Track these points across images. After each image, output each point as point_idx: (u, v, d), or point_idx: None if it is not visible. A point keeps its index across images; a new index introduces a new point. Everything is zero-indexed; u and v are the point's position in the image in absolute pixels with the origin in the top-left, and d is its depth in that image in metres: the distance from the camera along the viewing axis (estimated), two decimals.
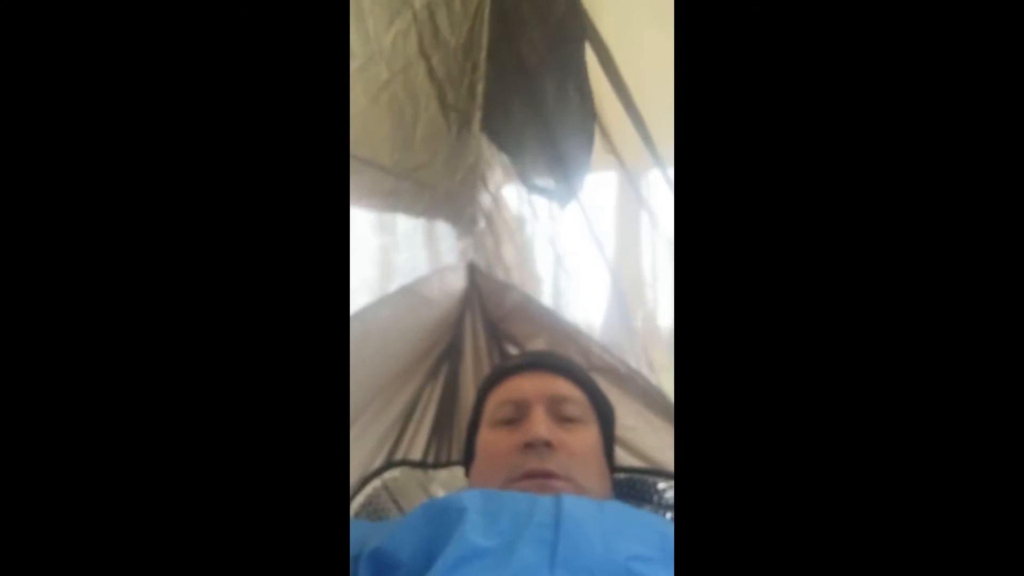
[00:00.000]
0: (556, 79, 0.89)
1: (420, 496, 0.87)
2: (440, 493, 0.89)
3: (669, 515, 0.86)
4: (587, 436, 0.77)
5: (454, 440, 1.01)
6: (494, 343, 1.08)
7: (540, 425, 0.72)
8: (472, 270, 1.10)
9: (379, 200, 0.95)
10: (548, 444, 0.71)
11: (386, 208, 0.97)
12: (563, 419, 0.75)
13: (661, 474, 0.90)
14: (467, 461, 0.83)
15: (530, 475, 0.70)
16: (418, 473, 0.91)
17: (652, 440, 0.93)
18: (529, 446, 0.71)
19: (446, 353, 1.05)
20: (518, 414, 0.76)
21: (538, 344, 1.04)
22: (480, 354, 1.07)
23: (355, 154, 0.95)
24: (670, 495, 0.89)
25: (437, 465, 0.94)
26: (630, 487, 0.89)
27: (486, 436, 0.78)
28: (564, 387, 0.79)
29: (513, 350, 1.09)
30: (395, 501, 0.86)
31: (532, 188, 1.03)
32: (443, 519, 0.61)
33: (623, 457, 0.92)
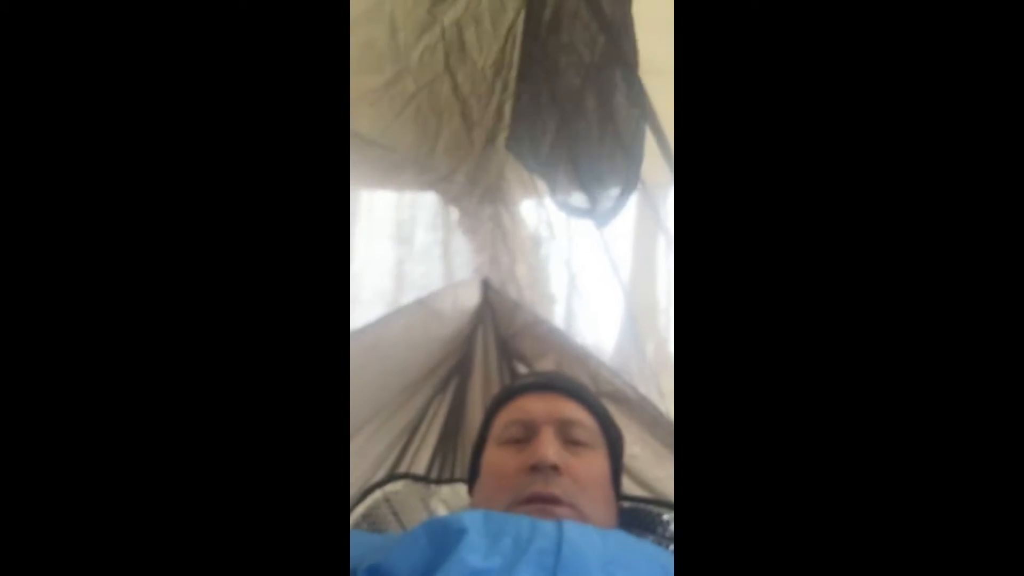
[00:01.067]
0: (597, 99, 0.88)
1: (421, 511, 0.86)
2: (441, 509, 0.88)
3: (672, 547, 0.85)
4: (595, 462, 0.75)
5: (458, 456, 1.00)
6: (504, 361, 1.08)
7: (548, 447, 0.71)
8: (486, 287, 1.10)
9: (399, 212, 0.96)
10: (555, 468, 0.70)
11: (406, 220, 0.98)
12: (571, 443, 0.74)
13: (666, 505, 0.89)
14: (471, 478, 0.82)
15: (534, 499, 0.69)
16: (420, 487, 0.90)
17: (657, 470, 0.92)
18: (535, 468, 0.70)
19: (456, 368, 1.05)
20: (526, 434, 0.74)
21: (547, 364, 1.04)
22: (490, 371, 1.06)
23: (380, 165, 0.96)
24: (670, 521, 0.87)
25: (440, 481, 0.93)
26: (635, 517, 0.87)
27: (492, 455, 0.77)
28: (574, 410, 0.77)
29: (523, 369, 1.08)
30: (395, 514, 0.85)
31: (567, 208, 1.01)
32: (443, 538, 0.60)
33: (628, 486, 0.91)
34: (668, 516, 0.88)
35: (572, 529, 0.62)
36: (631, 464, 0.92)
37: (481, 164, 1.05)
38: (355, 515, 0.84)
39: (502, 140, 1.04)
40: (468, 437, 1.01)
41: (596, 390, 0.95)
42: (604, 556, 0.60)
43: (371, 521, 0.83)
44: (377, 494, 0.86)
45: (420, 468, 0.97)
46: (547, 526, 0.62)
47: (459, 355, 1.05)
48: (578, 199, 0.97)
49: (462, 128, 0.98)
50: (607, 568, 0.58)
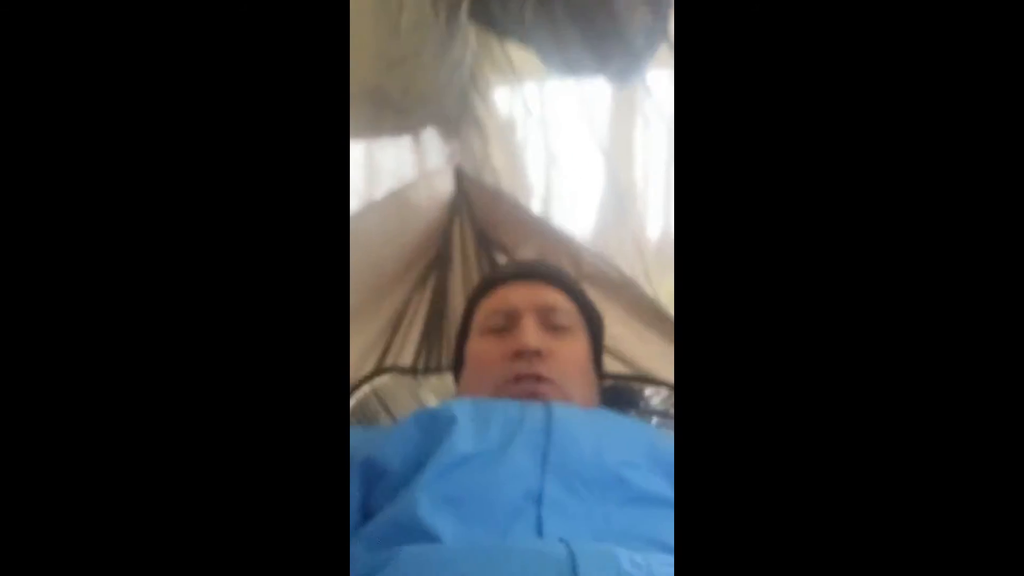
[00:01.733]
0: None
1: (410, 401, 0.88)
2: (430, 398, 0.91)
3: (655, 420, 0.89)
4: (576, 345, 0.77)
5: (443, 347, 1.01)
6: (483, 251, 1.06)
7: (530, 334, 0.72)
8: (460, 175, 1.06)
9: (364, 100, 0.89)
10: (538, 352, 0.71)
11: (372, 108, 0.92)
12: (553, 328, 0.75)
13: (647, 380, 0.92)
14: (456, 368, 0.83)
15: (520, 378, 0.71)
16: (408, 379, 0.92)
17: (639, 348, 0.94)
18: (519, 354, 0.71)
19: (434, 262, 1.03)
20: (508, 323, 0.75)
21: (528, 252, 1.03)
22: (469, 262, 1.05)
23: None
24: (655, 401, 0.91)
25: (427, 371, 0.94)
26: (616, 394, 0.91)
27: (476, 344, 0.78)
28: (554, 297, 0.78)
29: (502, 258, 1.07)
30: (385, 407, 0.87)
31: (572, 67, 0.93)
32: (433, 428, 0.61)
33: (610, 364, 0.93)
34: (649, 391, 0.92)
35: (561, 410, 0.64)
36: (613, 344, 0.94)
37: (447, 39, 0.97)
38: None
39: (465, 10, 0.96)
40: (451, 328, 1.01)
41: (578, 274, 0.95)
42: (593, 434, 0.62)
43: (362, 415, 0.85)
44: (365, 388, 0.87)
45: (406, 361, 0.98)
46: (535, 409, 0.64)
47: (436, 248, 1.03)
48: (583, 58, 0.90)
49: (427, 2, 0.89)
50: (596, 445, 0.61)
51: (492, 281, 0.83)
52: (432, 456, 0.57)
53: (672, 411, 0.90)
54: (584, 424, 0.63)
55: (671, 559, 0.48)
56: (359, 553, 0.50)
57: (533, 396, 0.69)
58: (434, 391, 0.90)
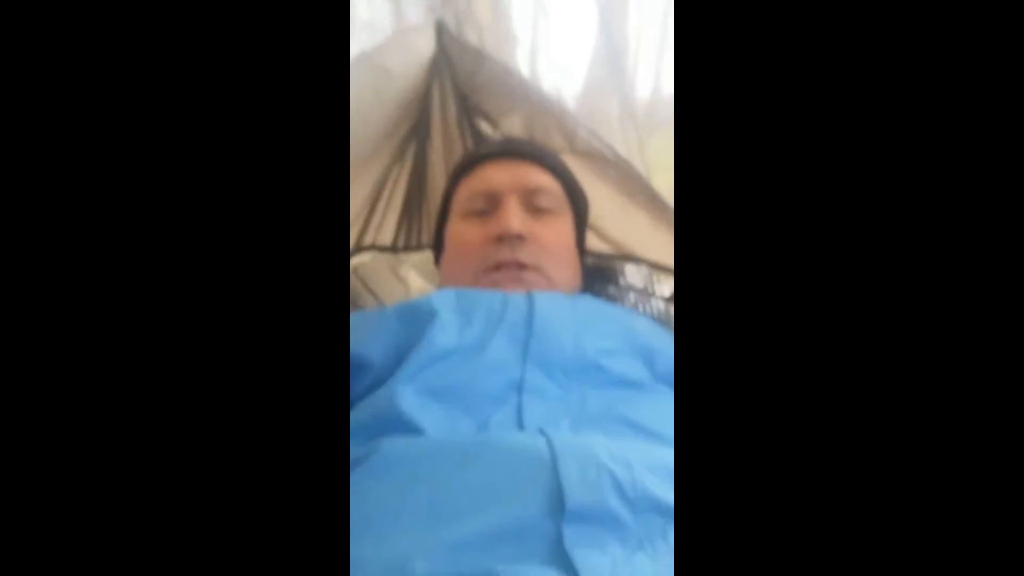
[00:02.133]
0: None
1: (391, 280, 0.87)
2: (412, 276, 0.90)
3: (632, 296, 0.89)
4: (560, 227, 0.75)
5: (424, 224, 0.98)
6: (465, 119, 0.99)
7: (512, 218, 0.70)
8: (440, 31, 0.96)
9: None
10: (520, 237, 0.69)
11: None
12: (536, 210, 0.73)
13: (628, 259, 0.91)
14: (436, 251, 0.82)
15: (501, 265, 0.70)
16: (388, 257, 0.90)
17: (624, 225, 0.92)
18: (500, 239, 0.70)
19: (412, 132, 0.96)
20: (489, 205, 0.73)
21: (514, 121, 0.96)
22: (450, 131, 0.99)
23: None
24: (632, 279, 0.91)
25: (407, 248, 0.93)
26: (597, 271, 0.91)
27: (457, 227, 0.76)
28: (538, 177, 0.75)
29: (486, 127, 1.01)
30: (367, 287, 0.86)
31: None
32: (414, 320, 0.61)
33: (594, 242, 0.92)
34: (629, 267, 0.91)
35: (542, 300, 0.64)
36: (598, 222, 0.92)
37: None
38: None
39: None
40: (432, 204, 0.97)
41: (569, 148, 0.90)
42: (573, 323, 0.63)
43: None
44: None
45: (386, 239, 0.96)
46: (518, 299, 0.63)
47: (415, 116, 0.96)
48: None
49: None
50: (576, 334, 0.61)
51: (473, 160, 0.79)
52: (413, 350, 0.57)
53: (652, 288, 0.90)
54: (564, 315, 0.63)
55: (648, 447, 0.50)
56: None
57: (515, 284, 0.68)
58: (416, 267, 0.89)
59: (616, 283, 0.93)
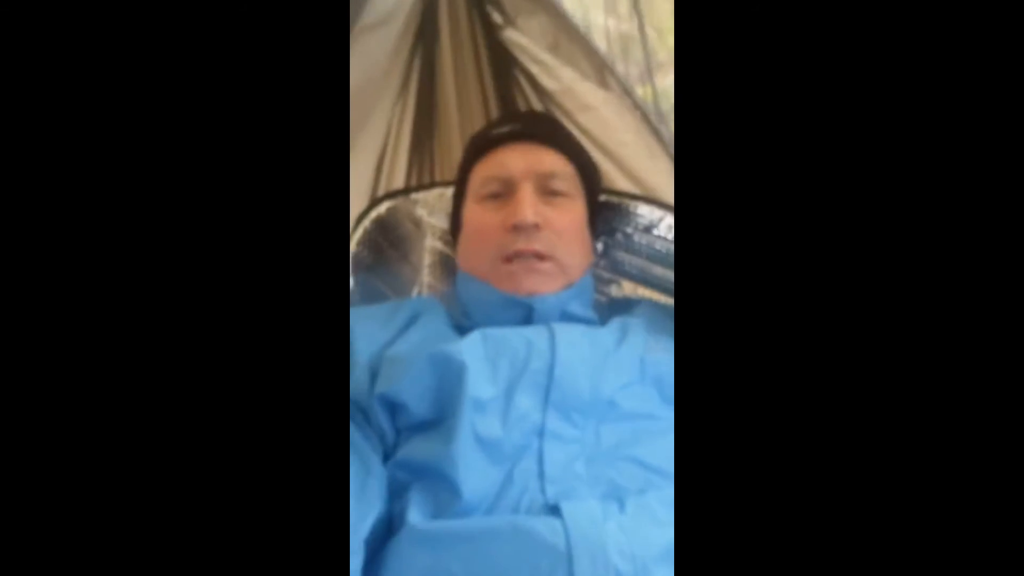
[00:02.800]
0: None
1: (410, 227, 0.86)
2: (427, 216, 0.88)
3: (644, 239, 0.91)
4: (573, 210, 0.75)
5: (436, 159, 0.91)
6: (476, 13, 0.85)
7: (527, 207, 0.70)
8: None
9: None
10: (536, 226, 0.70)
11: None
12: (551, 193, 0.73)
13: (643, 199, 0.90)
14: (454, 231, 0.81)
15: (518, 254, 0.72)
16: (402, 202, 0.87)
17: (646, 163, 0.89)
18: (516, 228, 0.70)
19: (416, 41, 0.83)
20: (505, 189, 0.72)
21: (532, 25, 0.83)
22: (460, 30, 0.85)
23: None
24: (645, 219, 0.91)
25: (420, 188, 0.89)
26: (612, 210, 0.90)
27: (472, 211, 0.75)
28: (552, 161, 0.73)
29: (498, 17, 0.86)
30: (388, 239, 0.86)
31: None
32: (446, 370, 0.64)
33: (612, 176, 0.89)
34: (643, 210, 0.91)
35: (563, 343, 0.68)
36: (620, 152, 0.88)
37: None
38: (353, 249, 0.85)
39: None
40: (445, 130, 0.90)
41: (596, 78, 0.81)
42: (591, 362, 0.68)
43: (366, 251, 0.85)
44: (365, 223, 0.84)
45: (398, 182, 0.91)
46: (541, 345, 0.67)
47: (419, 18, 0.81)
48: None
49: None
50: (593, 374, 0.68)
51: (487, 141, 0.74)
52: (447, 395, 0.62)
53: (667, 234, 0.90)
54: (583, 356, 0.66)
55: (658, 529, 0.56)
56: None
57: (530, 274, 0.71)
58: (429, 209, 0.87)
59: (632, 223, 0.92)
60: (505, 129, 0.75)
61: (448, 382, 0.63)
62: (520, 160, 0.72)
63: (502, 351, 0.66)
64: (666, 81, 0.86)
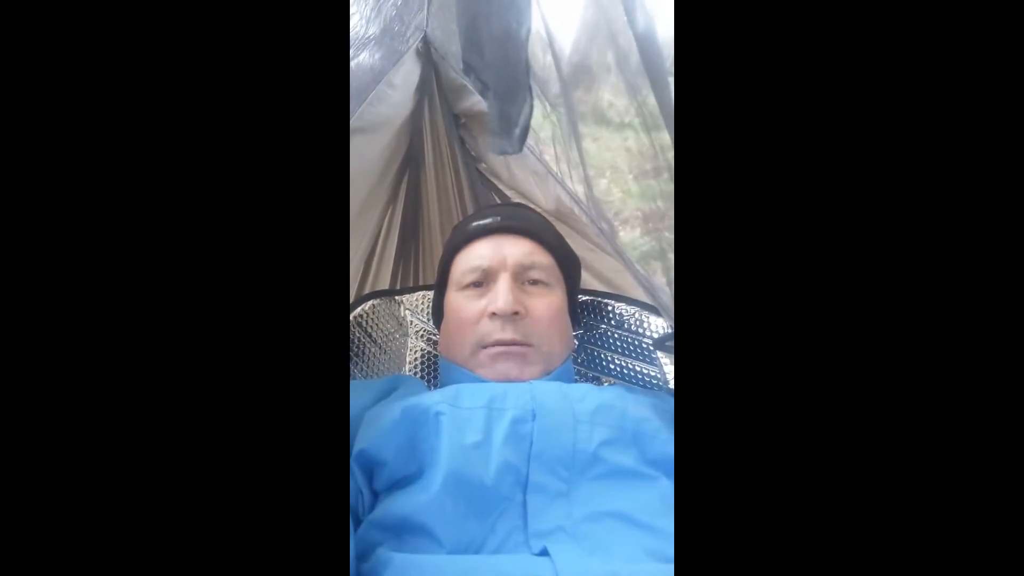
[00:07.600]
0: None
1: (392, 325, 0.91)
2: (409, 318, 0.93)
3: (619, 333, 0.95)
4: (552, 299, 0.77)
5: (421, 262, 0.99)
6: (455, 139, 0.97)
7: (506, 296, 0.72)
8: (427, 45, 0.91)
9: None
10: (515, 314, 0.72)
11: None
12: (530, 282, 0.76)
13: (617, 298, 0.96)
14: (437, 319, 0.85)
15: (498, 343, 0.73)
16: (387, 303, 0.93)
17: (607, 263, 0.96)
18: (495, 316, 0.72)
19: (404, 164, 0.94)
20: (485, 279, 0.75)
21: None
22: (441, 154, 0.97)
23: None
24: (621, 313, 0.96)
25: (403, 291, 0.95)
26: (591, 308, 0.95)
27: (454, 300, 0.78)
28: (531, 252, 0.77)
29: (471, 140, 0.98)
30: (370, 336, 0.90)
31: None
32: (422, 421, 0.64)
33: (587, 280, 0.96)
34: (615, 306, 0.97)
35: (543, 396, 0.67)
36: (587, 256, 0.96)
37: None
38: None
39: None
40: (428, 240, 0.99)
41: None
42: (572, 417, 0.65)
43: (352, 350, 0.88)
44: (350, 321, 0.89)
45: (385, 282, 0.98)
46: (522, 396, 0.66)
47: (406, 147, 0.93)
48: None
49: None
50: (575, 428, 0.64)
51: (467, 236, 0.80)
52: (425, 447, 0.62)
53: (642, 329, 0.95)
54: (564, 410, 0.66)
55: (645, 566, 0.56)
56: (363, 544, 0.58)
57: (510, 361, 0.72)
58: (412, 310, 0.93)
59: (607, 321, 0.98)
60: (486, 221, 0.80)
61: (425, 431, 0.63)
62: (499, 250, 0.76)
63: (480, 400, 0.66)
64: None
